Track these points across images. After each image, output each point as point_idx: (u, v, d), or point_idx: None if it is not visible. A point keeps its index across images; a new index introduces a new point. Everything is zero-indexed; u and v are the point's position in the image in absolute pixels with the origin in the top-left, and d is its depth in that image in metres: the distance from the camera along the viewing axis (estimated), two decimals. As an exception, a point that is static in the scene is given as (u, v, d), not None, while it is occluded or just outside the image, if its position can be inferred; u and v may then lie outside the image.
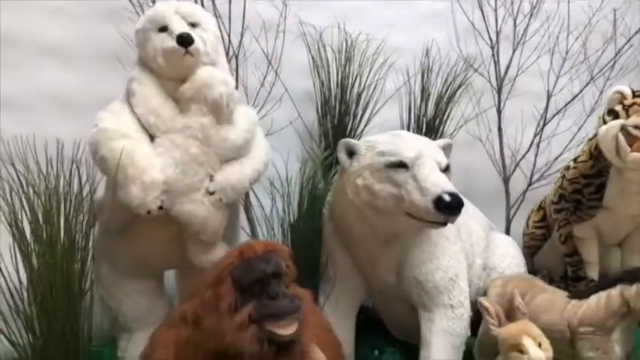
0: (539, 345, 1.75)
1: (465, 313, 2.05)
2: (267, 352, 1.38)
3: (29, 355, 1.75)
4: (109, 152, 1.74)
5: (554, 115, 2.96)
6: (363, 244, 2.06)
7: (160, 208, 1.77)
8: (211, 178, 1.84)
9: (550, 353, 1.75)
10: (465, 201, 2.51)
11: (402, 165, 1.82)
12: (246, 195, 2.53)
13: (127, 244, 1.97)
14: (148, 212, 1.75)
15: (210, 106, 1.82)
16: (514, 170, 3.01)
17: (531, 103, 3.03)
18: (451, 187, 1.75)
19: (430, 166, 1.79)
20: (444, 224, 1.79)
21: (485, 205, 2.69)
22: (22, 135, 1.97)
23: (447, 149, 2.02)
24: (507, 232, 2.99)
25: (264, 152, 2.01)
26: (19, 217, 1.78)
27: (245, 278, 1.40)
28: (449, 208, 1.71)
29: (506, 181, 3.01)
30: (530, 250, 2.78)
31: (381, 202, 1.85)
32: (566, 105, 2.94)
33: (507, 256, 2.41)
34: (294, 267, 1.52)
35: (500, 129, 2.99)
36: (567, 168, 2.40)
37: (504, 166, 3.01)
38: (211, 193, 1.83)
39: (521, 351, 1.72)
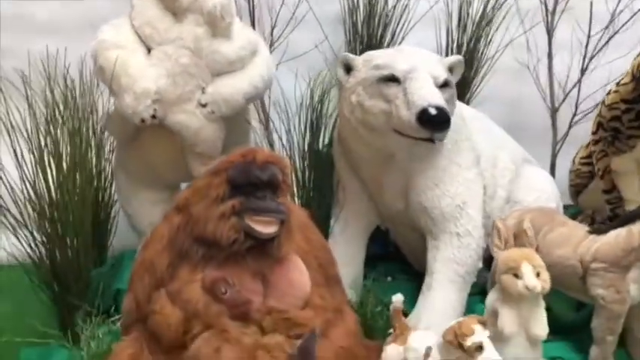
0: (538, 275, 1.64)
1: (473, 242, 1.96)
2: (243, 245, 1.42)
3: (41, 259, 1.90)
4: (105, 62, 1.83)
5: (610, 37, 2.62)
6: (365, 167, 2.01)
7: (154, 117, 1.83)
8: (203, 90, 1.87)
9: (547, 285, 1.64)
10: (496, 129, 2.36)
11: (393, 79, 1.73)
12: (266, 119, 2.54)
13: (138, 155, 2.08)
14: (142, 121, 1.82)
15: (206, 16, 1.83)
16: (563, 101, 2.75)
17: (585, 25, 2.69)
18: (440, 101, 1.64)
19: (422, 80, 1.69)
20: (432, 141, 1.69)
21: (531, 139, 2.50)
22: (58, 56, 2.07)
23: (457, 67, 1.90)
24: (552, 167, 2.77)
25: (264, 69, 2.00)
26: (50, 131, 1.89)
27: (239, 178, 1.43)
28: (431, 122, 1.61)
29: (554, 112, 2.77)
30: (576, 189, 2.56)
31: (372, 118, 1.78)
32: (624, 24, 2.58)
33: (535, 190, 2.24)
34: (291, 184, 1.52)
35: (550, 54, 2.72)
36: (608, 93, 2.15)
37: (552, 96, 2.75)
38: (204, 105, 1.86)
39: (517, 275, 1.63)
